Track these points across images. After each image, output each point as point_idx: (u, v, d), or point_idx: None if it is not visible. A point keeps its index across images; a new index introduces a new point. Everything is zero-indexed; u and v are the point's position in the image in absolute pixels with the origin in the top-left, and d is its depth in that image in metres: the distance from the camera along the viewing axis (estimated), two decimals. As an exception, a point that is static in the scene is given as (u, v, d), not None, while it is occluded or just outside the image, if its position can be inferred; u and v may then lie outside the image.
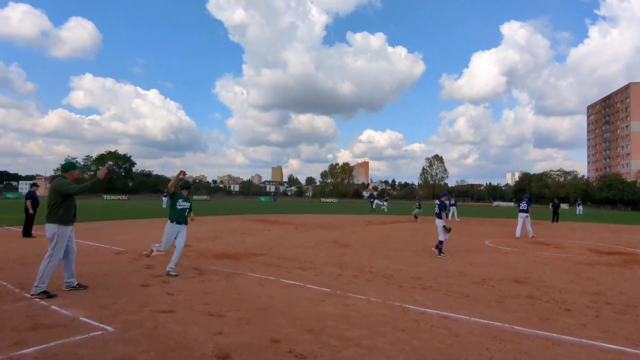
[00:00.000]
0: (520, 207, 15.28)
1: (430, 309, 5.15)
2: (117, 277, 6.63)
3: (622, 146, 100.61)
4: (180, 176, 7.09)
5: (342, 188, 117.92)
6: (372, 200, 42.33)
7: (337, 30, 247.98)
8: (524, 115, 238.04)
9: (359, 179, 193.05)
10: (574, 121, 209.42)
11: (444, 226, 9.73)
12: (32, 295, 5.26)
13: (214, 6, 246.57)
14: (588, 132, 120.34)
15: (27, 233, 11.89)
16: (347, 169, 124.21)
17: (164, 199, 36.52)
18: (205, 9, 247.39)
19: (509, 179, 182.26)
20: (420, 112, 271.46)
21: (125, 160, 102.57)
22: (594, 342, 4.08)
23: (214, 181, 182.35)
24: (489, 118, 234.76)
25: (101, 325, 4.20)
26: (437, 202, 10.30)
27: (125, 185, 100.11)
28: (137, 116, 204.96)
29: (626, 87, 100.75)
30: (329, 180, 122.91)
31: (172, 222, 7.00)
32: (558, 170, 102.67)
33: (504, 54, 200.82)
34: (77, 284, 5.80)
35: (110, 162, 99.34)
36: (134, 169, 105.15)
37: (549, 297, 5.88)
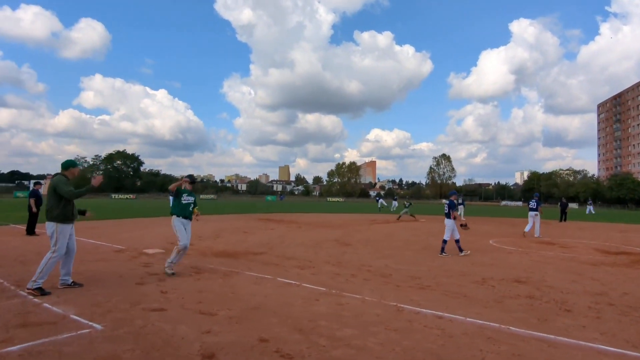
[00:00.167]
0: (530, 206, 15.13)
1: (425, 309, 5.05)
2: (113, 275, 6.63)
3: (634, 145, 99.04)
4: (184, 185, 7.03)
5: (348, 187, 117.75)
6: (378, 199, 42.20)
7: (344, 30, 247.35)
8: (533, 113, 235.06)
9: (366, 179, 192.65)
10: (584, 120, 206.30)
11: (462, 224, 9.62)
12: (27, 288, 5.30)
13: (221, 6, 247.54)
14: (598, 130, 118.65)
15: (30, 231, 11.99)
16: (353, 168, 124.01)
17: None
18: (213, 9, 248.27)
19: (518, 178, 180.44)
20: (428, 111, 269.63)
21: (133, 160, 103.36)
22: (592, 344, 3.96)
23: (222, 180, 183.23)
24: (497, 117, 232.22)
25: (90, 323, 4.17)
26: (446, 201, 10.15)
27: (134, 184, 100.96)
28: (145, 116, 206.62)
29: (637, 85, 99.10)
30: (336, 180, 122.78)
31: (178, 216, 6.89)
32: (567, 170, 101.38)
33: (512, 52, 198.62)
34: (72, 282, 5.80)
35: (118, 162, 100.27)
36: (141, 168, 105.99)
37: (549, 298, 5.75)
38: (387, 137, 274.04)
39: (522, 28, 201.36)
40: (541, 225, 15.24)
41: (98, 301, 5.03)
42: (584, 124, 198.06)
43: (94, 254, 8.84)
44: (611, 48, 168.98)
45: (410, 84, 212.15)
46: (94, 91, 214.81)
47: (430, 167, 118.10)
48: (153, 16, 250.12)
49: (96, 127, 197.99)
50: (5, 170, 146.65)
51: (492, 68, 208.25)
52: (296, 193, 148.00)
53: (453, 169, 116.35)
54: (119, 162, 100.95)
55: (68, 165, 5.89)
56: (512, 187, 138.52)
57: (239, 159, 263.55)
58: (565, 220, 24.35)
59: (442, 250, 9.62)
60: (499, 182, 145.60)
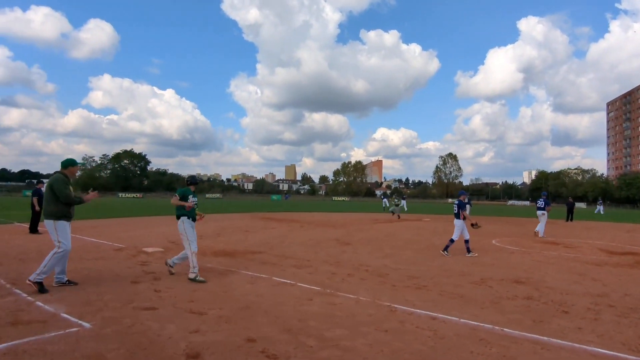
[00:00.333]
0: (538, 205, 14.96)
1: (419, 309, 4.98)
2: (109, 274, 6.63)
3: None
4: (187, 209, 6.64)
5: (354, 187, 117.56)
6: (383, 198, 42.07)
7: (351, 29, 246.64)
8: (542, 112, 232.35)
9: (372, 178, 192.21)
10: (593, 118, 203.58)
11: (472, 223, 9.49)
12: (28, 280, 5.34)
13: (228, 6, 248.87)
14: (608, 129, 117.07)
15: (33, 229, 12.10)
16: (359, 167, 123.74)
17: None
18: (220, 9, 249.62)
19: (526, 177, 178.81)
20: (435, 110, 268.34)
21: (140, 159, 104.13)
22: (586, 346, 3.86)
23: (228, 180, 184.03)
24: (505, 115, 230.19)
25: (79, 322, 4.16)
26: (455, 201, 10.03)
27: (141, 183, 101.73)
28: (153, 116, 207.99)
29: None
30: (342, 179, 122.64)
31: (188, 218, 6.53)
32: (576, 169, 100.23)
33: (521, 50, 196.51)
34: (67, 280, 5.81)
35: (125, 161, 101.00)
36: (148, 168, 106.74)
37: (547, 299, 5.64)
38: (393, 136, 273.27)
39: (531, 26, 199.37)
40: (548, 225, 15.05)
41: (90, 300, 5.03)
42: (593, 122, 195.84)
43: (94, 252, 8.88)
44: (621, 46, 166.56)
45: (417, 83, 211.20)
46: (102, 91, 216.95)
47: (437, 167, 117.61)
48: (160, 16, 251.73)
49: (105, 127, 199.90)
50: (16, 170, 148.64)
51: (500, 66, 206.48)
52: (302, 192, 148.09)
53: (459, 168, 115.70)
54: (126, 161, 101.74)
55: (67, 164, 5.91)
56: (519, 187, 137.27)
57: (245, 158, 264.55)
58: (571, 220, 24.05)
59: (446, 248, 9.50)
60: (506, 181, 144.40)
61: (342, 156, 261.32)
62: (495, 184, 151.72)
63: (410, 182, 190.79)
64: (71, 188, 5.79)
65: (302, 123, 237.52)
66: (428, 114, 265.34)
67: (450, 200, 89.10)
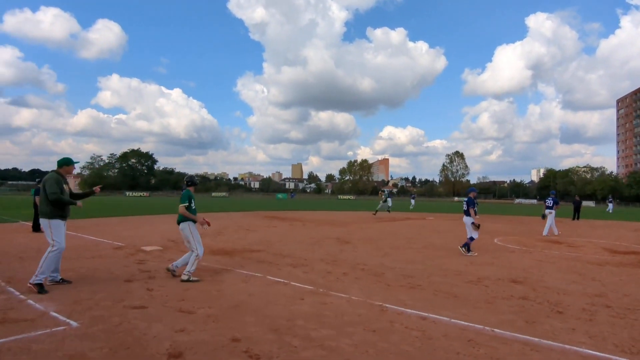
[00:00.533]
0: (547, 204, 14.80)
1: (411, 309, 4.93)
2: (104, 272, 6.66)
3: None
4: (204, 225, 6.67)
5: (360, 185, 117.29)
6: (388, 197, 41.84)
7: (357, 27, 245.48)
8: (551, 110, 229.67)
9: (378, 176, 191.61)
10: (604, 116, 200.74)
11: (473, 223, 9.39)
12: (29, 283, 5.34)
13: (234, 5, 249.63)
14: (618, 126, 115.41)
15: (36, 228, 12.19)
16: (365, 165, 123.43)
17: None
18: (226, 8, 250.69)
19: (534, 175, 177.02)
20: (442, 107, 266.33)
21: (147, 158, 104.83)
22: (577, 347, 3.79)
23: (235, 178, 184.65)
24: (513, 113, 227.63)
25: (67, 321, 4.18)
26: (465, 198, 9.91)
27: (148, 182, 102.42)
28: (161, 115, 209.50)
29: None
30: (348, 177, 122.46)
31: (194, 222, 6.46)
32: (585, 167, 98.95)
33: (529, 47, 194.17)
34: (61, 279, 5.84)
35: (133, 160, 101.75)
36: (155, 167, 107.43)
37: (543, 299, 5.55)
38: (400, 134, 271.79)
39: (539, 22, 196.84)
40: (551, 225, 14.87)
41: (81, 298, 5.05)
42: (603, 119, 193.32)
43: (93, 250, 8.93)
44: (632, 41, 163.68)
45: (424, 81, 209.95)
46: (111, 91, 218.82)
47: (443, 165, 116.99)
48: (167, 16, 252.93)
49: (113, 126, 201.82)
50: (27, 169, 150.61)
51: (508, 64, 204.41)
52: (308, 191, 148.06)
53: (466, 166, 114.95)
54: (133, 160, 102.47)
55: (62, 163, 5.91)
56: (527, 185, 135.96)
57: (252, 157, 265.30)
58: (578, 218, 23.74)
59: (468, 249, 9.34)
60: (514, 179, 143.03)
61: (348, 155, 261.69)
62: (503, 182, 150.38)
63: (417, 180, 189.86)
64: (66, 187, 5.81)
65: (308, 122, 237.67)
66: (435, 112, 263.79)
67: (457, 198, 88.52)
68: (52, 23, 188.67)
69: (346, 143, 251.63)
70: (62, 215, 5.71)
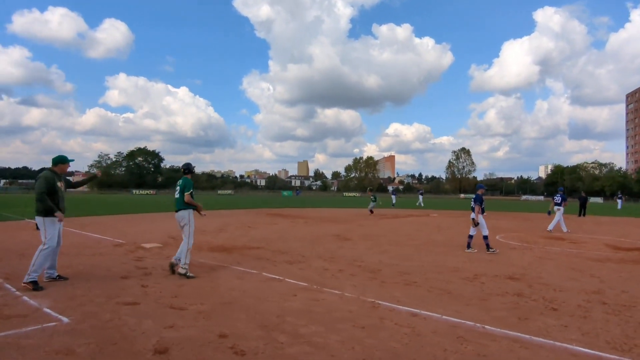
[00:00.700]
0: (555, 201, 14.68)
1: (403, 305, 4.90)
2: (102, 269, 6.71)
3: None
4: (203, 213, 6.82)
5: (366, 182, 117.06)
6: (393, 194, 41.69)
7: (363, 23, 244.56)
8: (559, 105, 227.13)
9: (385, 173, 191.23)
10: (613, 111, 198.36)
11: (473, 219, 9.34)
12: (23, 282, 5.36)
13: (240, 3, 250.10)
14: (627, 121, 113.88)
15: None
16: (371, 163, 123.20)
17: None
18: (232, 6, 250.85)
19: (542, 172, 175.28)
20: (449, 104, 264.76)
21: (154, 156, 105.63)
22: (568, 345, 3.74)
23: (241, 176, 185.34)
24: (520, 109, 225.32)
25: (59, 317, 4.22)
26: (473, 195, 9.84)
27: (155, 180, 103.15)
28: (168, 113, 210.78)
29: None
30: (353, 175, 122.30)
31: (194, 210, 6.56)
32: (593, 163, 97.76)
33: (537, 42, 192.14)
34: (58, 275, 5.89)
35: (140, 158, 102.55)
36: (162, 165, 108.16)
37: (538, 296, 5.49)
38: (406, 131, 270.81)
39: (547, 17, 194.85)
40: (559, 221, 14.75)
41: (76, 294, 5.10)
42: (613, 115, 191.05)
43: (94, 248, 9.01)
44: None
45: (430, 77, 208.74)
46: (118, 90, 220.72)
47: (450, 162, 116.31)
48: (173, 15, 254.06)
49: (121, 125, 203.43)
50: (37, 168, 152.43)
51: (515, 59, 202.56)
52: (314, 188, 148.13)
53: (473, 162, 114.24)
54: (140, 158, 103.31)
55: (57, 161, 5.92)
56: (534, 181, 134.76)
57: (259, 154, 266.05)
58: (584, 215, 23.50)
59: (488, 247, 9.21)
60: (521, 176, 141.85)
61: (354, 152, 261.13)
62: (510, 178, 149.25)
63: (424, 177, 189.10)
64: (61, 184, 5.83)
65: (314, 119, 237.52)
66: (442, 109, 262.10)
67: (462, 195, 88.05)
68: (59, 23, 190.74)
69: (352, 140, 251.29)
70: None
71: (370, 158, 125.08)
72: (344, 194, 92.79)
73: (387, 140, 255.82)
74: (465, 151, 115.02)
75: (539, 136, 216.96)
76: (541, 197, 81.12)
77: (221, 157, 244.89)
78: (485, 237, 9.30)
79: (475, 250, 9.28)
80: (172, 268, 6.43)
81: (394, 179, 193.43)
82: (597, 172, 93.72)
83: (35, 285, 5.28)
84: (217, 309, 4.62)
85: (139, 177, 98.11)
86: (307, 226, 15.22)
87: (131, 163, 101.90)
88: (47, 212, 5.63)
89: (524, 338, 3.91)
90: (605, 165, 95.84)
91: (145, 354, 3.36)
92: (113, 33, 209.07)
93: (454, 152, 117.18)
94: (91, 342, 3.55)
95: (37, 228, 5.74)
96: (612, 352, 3.59)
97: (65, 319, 4.14)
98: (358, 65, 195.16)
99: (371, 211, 22.79)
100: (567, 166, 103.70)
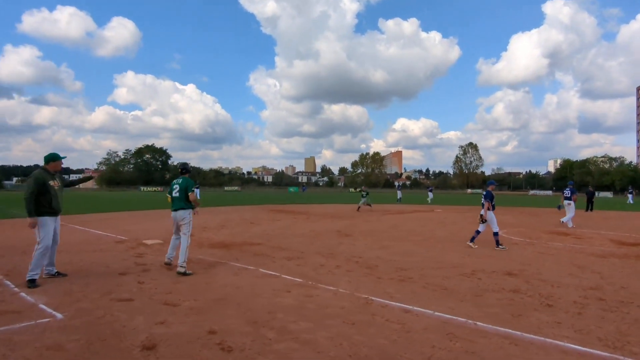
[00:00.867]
0: (565, 195, 14.55)
1: (397, 302, 4.88)
2: (101, 266, 6.78)
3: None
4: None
5: (373, 178, 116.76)
6: (399, 189, 41.61)
7: (369, 18, 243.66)
8: (568, 99, 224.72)
9: (392, 169, 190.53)
10: (624, 104, 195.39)
11: (481, 215, 9.26)
12: (26, 280, 5.41)
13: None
14: (638, 115, 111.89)
15: (45, 223, 12.49)
16: (377, 158, 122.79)
17: (197, 191, 37.77)
18: (238, 2, 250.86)
19: (551, 166, 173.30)
20: (456, 99, 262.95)
21: (161, 154, 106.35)
22: (559, 341, 3.70)
23: (249, 172, 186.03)
24: (529, 103, 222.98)
25: (53, 313, 4.27)
26: (484, 192, 9.76)
27: (162, 177, 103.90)
28: (176, 111, 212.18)
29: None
30: (360, 170, 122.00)
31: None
32: (603, 157, 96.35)
33: (546, 35, 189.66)
34: (57, 272, 5.96)
35: (147, 156, 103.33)
36: (169, 162, 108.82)
37: (535, 292, 5.44)
38: (413, 126, 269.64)
39: (557, 9, 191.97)
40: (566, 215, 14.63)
41: (72, 291, 5.15)
42: (624, 108, 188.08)
43: (95, 244, 9.10)
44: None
45: (437, 72, 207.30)
46: (126, 88, 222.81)
47: (457, 157, 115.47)
48: (180, 12, 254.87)
49: (130, 123, 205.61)
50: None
51: (524, 52, 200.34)
52: (320, 184, 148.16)
53: (480, 157, 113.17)
54: (148, 156, 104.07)
55: (49, 159, 5.89)
56: (543, 176, 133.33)
57: (266, 151, 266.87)
58: (591, 210, 23.19)
59: (498, 243, 9.14)
60: (530, 170, 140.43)
61: (361, 147, 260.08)
62: (519, 173, 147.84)
63: (431, 172, 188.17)
64: (55, 182, 5.82)
65: (321, 115, 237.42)
66: (449, 103, 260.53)
67: (470, 190, 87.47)
68: (68, 22, 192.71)
69: (359, 136, 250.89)
70: (51, 212, 5.70)
71: (376, 154, 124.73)
72: (350, 189, 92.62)
73: (394, 135, 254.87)
74: (472, 146, 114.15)
75: (548, 130, 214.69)
76: (549, 192, 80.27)
77: (228, 154, 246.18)
78: (496, 234, 9.23)
79: (476, 246, 9.21)
80: (167, 265, 6.49)
81: (401, 174, 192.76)
82: (607, 166, 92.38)
83: (30, 283, 5.34)
84: (209, 305, 4.65)
85: (147, 174, 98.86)
86: (310, 222, 15.23)
87: (139, 160, 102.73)
88: (40, 212, 5.59)
89: (515, 334, 3.87)
90: (615, 159, 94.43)
91: (133, 350, 3.39)
92: (121, 31, 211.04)
93: (461, 147, 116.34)
94: (81, 338, 3.59)
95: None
96: (604, 349, 3.54)
97: (59, 315, 4.19)
98: (364, 60, 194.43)
99: (359, 207, 22.43)
100: (576, 160, 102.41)
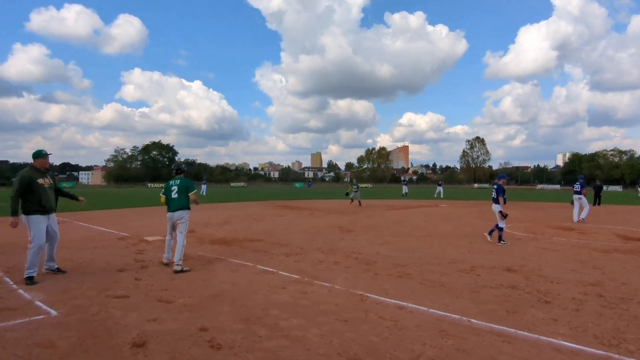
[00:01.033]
0: (575, 189, 14.38)
1: (392, 298, 4.85)
2: (101, 262, 6.82)
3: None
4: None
5: (379, 173, 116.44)
6: (405, 184, 41.34)
7: (375, 12, 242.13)
8: (578, 91, 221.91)
9: (398, 164, 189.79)
10: (635, 96, 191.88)
11: (500, 212, 9.18)
12: (24, 278, 5.46)
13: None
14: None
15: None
16: (383, 153, 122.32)
17: (204, 187, 38.06)
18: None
19: (560, 160, 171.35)
20: (463, 92, 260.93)
21: (168, 150, 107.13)
22: (553, 339, 3.65)
23: (255, 168, 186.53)
24: (537, 96, 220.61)
25: (48, 310, 4.31)
26: (494, 185, 9.66)
27: (169, 173, 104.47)
28: (182, 107, 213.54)
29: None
30: (366, 166, 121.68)
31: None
32: (612, 150, 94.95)
33: (555, 27, 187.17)
34: (57, 268, 6.01)
35: (154, 152, 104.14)
36: (176, 158, 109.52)
37: (533, 288, 5.37)
38: (420, 120, 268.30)
39: (566, 0, 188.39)
40: (572, 210, 14.44)
41: (70, 288, 5.20)
42: (634, 100, 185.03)
43: (97, 241, 9.17)
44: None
45: (444, 65, 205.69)
46: (133, 85, 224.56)
47: (464, 151, 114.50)
48: (185, 8, 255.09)
49: (137, 120, 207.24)
50: (58, 163, 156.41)
51: (532, 44, 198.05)
52: (327, 180, 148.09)
53: (487, 152, 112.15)
54: (154, 152, 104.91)
55: (34, 156, 5.77)
56: (551, 170, 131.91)
57: (272, 146, 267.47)
58: (599, 204, 22.90)
59: (500, 238, 9.07)
60: (538, 164, 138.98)
61: (368, 142, 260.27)
62: (527, 167, 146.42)
63: (438, 167, 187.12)
64: (45, 180, 5.71)
65: (327, 110, 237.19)
66: (456, 97, 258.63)
67: (476, 185, 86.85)
68: (75, 20, 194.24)
69: (365, 131, 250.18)
70: (41, 210, 5.61)
71: (382, 149, 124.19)
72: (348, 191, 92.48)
73: (400, 130, 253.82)
74: (479, 140, 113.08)
75: (557, 124, 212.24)
76: (557, 186, 79.40)
77: (235, 150, 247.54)
78: (500, 229, 9.15)
79: (508, 243, 9.03)
80: (180, 271, 6.26)
81: (408, 169, 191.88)
82: (616, 159, 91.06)
83: (28, 281, 5.38)
84: (203, 302, 4.65)
85: (154, 170, 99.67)
86: (312, 218, 15.22)
87: (146, 157, 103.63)
88: (28, 211, 5.53)
89: (509, 332, 3.82)
90: (625, 152, 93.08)
91: (123, 347, 3.40)
92: (127, 28, 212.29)
93: (468, 141, 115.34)
94: (73, 336, 3.61)
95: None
96: (599, 347, 3.49)
97: (53, 312, 4.23)
98: (370, 54, 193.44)
99: (351, 200, 22.65)
100: (585, 154, 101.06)
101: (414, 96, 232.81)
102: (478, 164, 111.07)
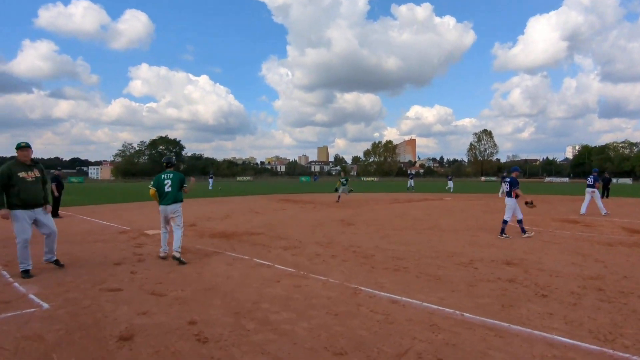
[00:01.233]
0: (588, 182, 14.19)
1: (386, 292, 4.80)
2: (99, 256, 6.85)
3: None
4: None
5: (385, 166, 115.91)
6: (410, 178, 41.12)
7: (381, 4, 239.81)
8: (588, 82, 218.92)
9: (405, 157, 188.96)
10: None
11: (526, 202, 9.08)
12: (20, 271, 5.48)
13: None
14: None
15: (54, 214, 12.73)
16: (390, 147, 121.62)
17: (210, 181, 38.26)
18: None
19: (569, 152, 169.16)
20: (471, 85, 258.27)
21: (175, 145, 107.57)
22: (546, 333, 3.57)
23: (262, 162, 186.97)
24: (547, 88, 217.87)
25: (41, 303, 4.32)
26: (507, 178, 9.56)
27: (177, 168, 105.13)
28: (189, 102, 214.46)
29: None
30: (372, 159, 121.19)
31: None
32: (623, 142, 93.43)
33: (565, 17, 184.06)
34: (56, 260, 6.02)
35: (161, 147, 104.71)
36: (183, 153, 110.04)
37: (531, 282, 5.28)
38: (427, 113, 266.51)
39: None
40: (581, 202, 14.23)
41: (65, 281, 5.21)
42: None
43: (99, 234, 9.22)
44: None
45: (452, 57, 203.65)
46: (141, 80, 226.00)
47: (471, 144, 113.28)
48: (191, 3, 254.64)
49: (145, 115, 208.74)
50: (67, 158, 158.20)
51: (542, 35, 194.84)
52: (333, 173, 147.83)
53: (495, 144, 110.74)
54: (162, 147, 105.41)
55: (16, 149, 5.62)
56: (560, 163, 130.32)
57: (279, 140, 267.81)
58: (607, 196, 22.55)
59: (502, 231, 9.00)
60: (547, 157, 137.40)
61: (374, 136, 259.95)
62: (535, 160, 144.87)
63: (445, 160, 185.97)
64: (29, 174, 5.56)
65: (333, 104, 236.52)
66: (464, 90, 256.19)
67: (483, 178, 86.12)
68: (83, 16, 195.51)
69: (372, 124, 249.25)
70: (24, 205, 5.45)
71: (389, 142, 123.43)
72: (362, 178, 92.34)
73: (407, 123, 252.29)
74: (487, 133, 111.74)
75: (567, 116, 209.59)
76: (566, 179, 78.46)
77: (242, 144, 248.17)
78: (505, 222, 9.07)
79: (532, 233, 9.06)
80: (179, 259, 6.30)
81: (415, 162, 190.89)
82: (627, 151, 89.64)
83: (24, 274, 5.40)
84: (195, 295, 4.64)
85: (161, 165, 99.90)
86: (315, 211, 15.17)
87: (153, 152, 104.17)
88: (11, 205, 5.39)
89: (502, 326, 3.75)
90: (636, 144, 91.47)
91: (110, 340, 3.39)
92: (134, 24, 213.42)
93: (475, 134, 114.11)
94: (61, 328, 3.61)
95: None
96: (593, 342, 3.40)
97: (45, 305, 4.24)
98: (377, 47, 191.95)
99: (339, 197, 20.08)
100: (595, 146, 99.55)
101: (421, 89, 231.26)
102: (485, 157, 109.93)
